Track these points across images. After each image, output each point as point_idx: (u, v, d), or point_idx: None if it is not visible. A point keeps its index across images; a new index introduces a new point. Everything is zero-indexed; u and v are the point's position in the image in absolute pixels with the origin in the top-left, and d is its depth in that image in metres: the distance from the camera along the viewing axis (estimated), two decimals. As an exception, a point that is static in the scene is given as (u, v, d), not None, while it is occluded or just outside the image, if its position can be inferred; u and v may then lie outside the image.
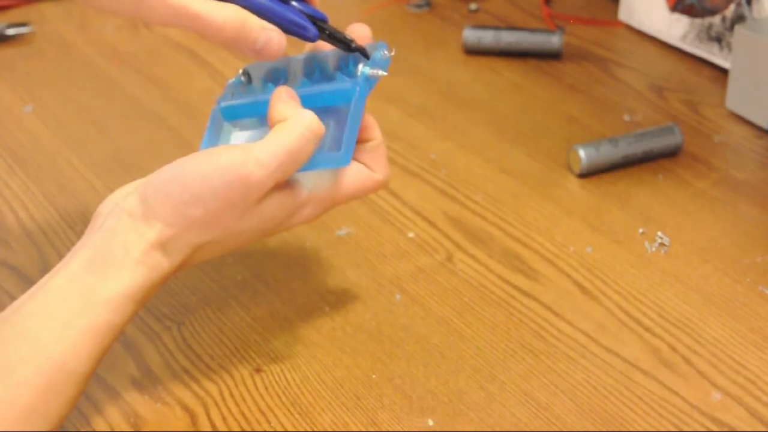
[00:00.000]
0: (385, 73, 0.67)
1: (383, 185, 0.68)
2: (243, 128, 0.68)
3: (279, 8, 0.66)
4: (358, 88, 0.65)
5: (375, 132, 0.68)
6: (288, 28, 0.66)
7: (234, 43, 0.65)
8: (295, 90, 0.65)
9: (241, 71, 0.70)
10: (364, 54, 0.68)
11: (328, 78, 0.68)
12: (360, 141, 0.67)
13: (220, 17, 0.63)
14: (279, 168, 0.61)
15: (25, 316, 0.60)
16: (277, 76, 0.69)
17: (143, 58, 1.10)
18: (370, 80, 0.67)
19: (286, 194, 0.64)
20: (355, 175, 0.67)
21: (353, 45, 0.67)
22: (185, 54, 1.09)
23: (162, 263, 0.62)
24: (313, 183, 0.65)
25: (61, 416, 0.60)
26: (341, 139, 0.64)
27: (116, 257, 0.61)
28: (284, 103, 0.63)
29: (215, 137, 0.68)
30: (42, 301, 0.60)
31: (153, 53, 1.10)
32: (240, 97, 0.69)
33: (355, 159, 0.67)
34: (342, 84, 0.66)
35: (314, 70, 0.68)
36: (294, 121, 0.62)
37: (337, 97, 0.66)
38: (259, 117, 0.68)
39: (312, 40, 0.67)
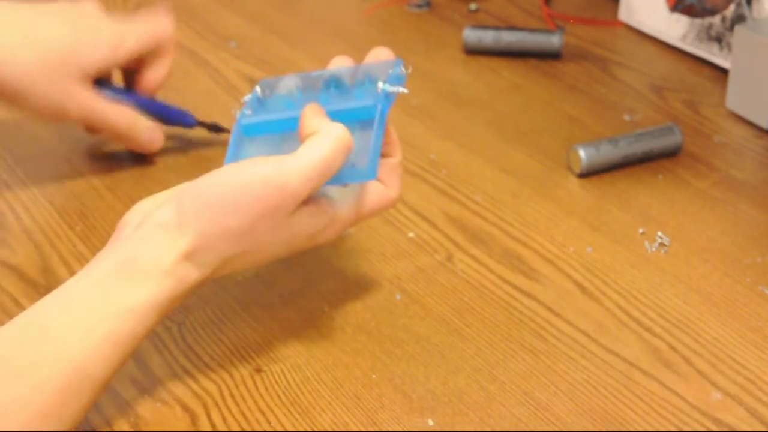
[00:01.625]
0: (404, 90, 0.69)
1: (395, 203, 0.71)
2: (262, 143, 0.70)
3: (164, 106, 0.90)
4: (380, 105, 0.67)
5: (396, 149, 0.71)
6: (172, 119, 0.90)
7: (126, 138, 0.87)
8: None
9: (257, 88, 0.72)
10: (217, 129, 0.90)
11: (345, 94, 0.69)
12: (382, 155, 0.69)
13: (116, 116, 0.85)
14: (314, 178, 0.62)
15: (50, 317, 0.60)
16: (292, 93, 0.71)
17: (143, 58, 1.09)
18: (390, 97, 0.69)
19: (316, 209, 0.65)
20: (373, 192, 0.69)
21: (219, 126, 0.90)
22: (185, 54, 1.09)
23: (191, 274, 0.62)
24: (338, 200, 0.67)
25: (75, 421, 0.60)
26: (365, 154, 0.66)
27: (145, 266, 0.61)
28: (315, 116, 0.65)
29: (237, 152, 0.69)
30: (68, 303, 0.60)
31: (153, 53, 1.10)
32: (259, 114, 0.70)
33: None
34: (365, 101, 0.68)
35: (330, 86, 0.70)
36: (326, 133, 0.64)
37: (360, 114, 0.68)
38: (278, 133, 0.69)
39: (192, 125, 0.91)
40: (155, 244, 0.61)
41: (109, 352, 0.60)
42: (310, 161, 0.62)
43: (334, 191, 0.67)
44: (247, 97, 0.72)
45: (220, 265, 0.63)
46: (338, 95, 0.70)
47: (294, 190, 0.62)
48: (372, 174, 0.66)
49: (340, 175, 0.65)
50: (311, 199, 0.65)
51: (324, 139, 0.63)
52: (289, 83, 0.72)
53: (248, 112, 0.71)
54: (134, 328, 0.60)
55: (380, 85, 0.69)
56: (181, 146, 0.93)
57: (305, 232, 0.65)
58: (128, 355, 0.61)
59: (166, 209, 0.62)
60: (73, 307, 0.60)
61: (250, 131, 0.70)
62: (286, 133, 0.68)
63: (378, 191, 0.69)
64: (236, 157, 0.69)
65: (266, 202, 0.62)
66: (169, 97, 0.93)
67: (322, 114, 0.66)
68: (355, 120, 0.67)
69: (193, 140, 0.93)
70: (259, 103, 0.72)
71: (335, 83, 0.70)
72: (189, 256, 0.62)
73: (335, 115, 0.66)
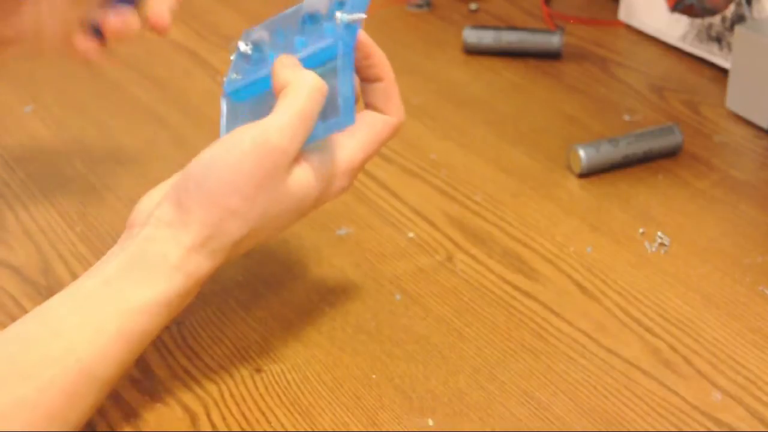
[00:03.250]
0: (363, 15, 0.64)
1: (399, 129, 0.67)
2: (255, 104, 0.67)
3: None
4: (340, 42, 0.63)
5: (385, 70, 0.67)
6: None
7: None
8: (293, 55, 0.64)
9: (240, 43, 0.68)
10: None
11: (318, 30, 0.65)
12: (370, 80, 0.66)
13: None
14: (296, 131, 0.61)
15: (58, 316, 0.59)
16: (275, 41, 0.68)
17: (143, 58, 1.10)
18: (351, 27, 0.64)
19: (309, 165, 0.63)
20: (370, 126, 0.66)
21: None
22: (185, 54, 1.09)
23: (202, 266, 0.61)
24: (334, 151, 0.65)
25: (81, 422, 0.59)
26: (336, 99, 0.62)
27: (153, 264, 0.60)
28: (285, 68, 0.63)
29: (231, 122, 0.67)
30: (76, 303, 0.60)
31: (153, 53, 1.10)
32: (244, 76, 0.68)
33: (368, 104, 0.65)
34: (325, 41, 0.64)
35: (306, 22, 0.66)
36: (296, 84, 0.62)
37: (328, 54, 0.64)
38: (269, 89, 0.66)
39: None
40: (161, 242, 0.61)
41: (117, 352, 0.59)
42: (287, 116, 0.61)
43: (328, 144, 0.64)
44: (233, 57, 0.69)
45: (232, 248, 0.62)
46: (312, 32, 0.66)
47: (280, 148, 0.61)
48: (349, 118, 0.62)
49: (318, 127, 0.62)
50: (303, 157, 0.63)
51: (296, 91, 0.62)
52: (270, 28, 0.68)
53: (234, 75, 0.68)
54: (144, 327, 0.60)
55: (338, 15, 0.64)
56: (180, 147, 0.93)
57: (309, 192, 0.63)
58: (137, 354, 0.61)
59: (166, 207, 0.62)
60: (82, 306, 0.60)
61: (239, 96, 0.68)
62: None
63: (376, 123, 0.67)
64: (232, 126, 0.65)
65: (260, 170, 0.61)
66: (169, 97, 0.93)
67: (292, 64, 0.63)
68: (327, 60, 0.64)
69: (188, 139, 0.93)
70: (245, 61, 0.69)
71: (309, 18, 0.66)
72: (197, 249, 0.61)
73: (306, 62, 0.64)
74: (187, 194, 0.61)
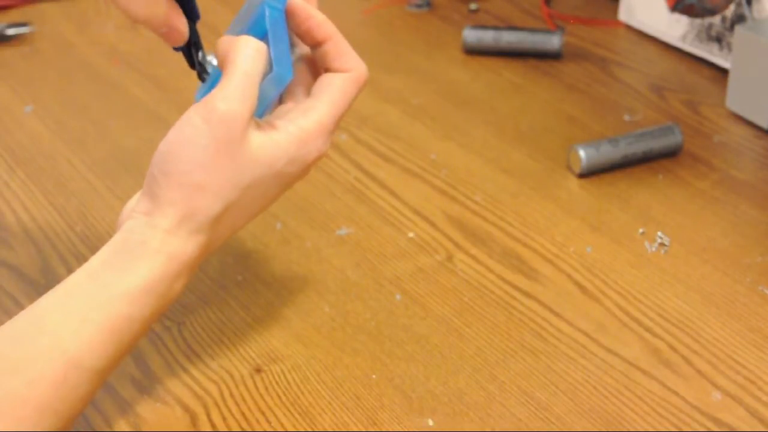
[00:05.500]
0: None
1: (365, 80, 0.67)
2: None
3: None
4: (265, 6, 0.64)
5: (328, 30, 0.66)
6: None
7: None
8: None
9: (210, 59, 0.70)
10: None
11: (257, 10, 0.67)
12: (317, 43, 0.66)
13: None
14: (242, 93, 0.61)
15: (44, 312, 0.60)
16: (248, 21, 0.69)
17: (143, 58, 1.10)
18: None
19: (273, 130, 0.63)
20: (330, 85, 0.66)
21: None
22: (185, 54, 1.09)
23: (185, 248, 0.61)
24: (299, 115, 0.64)
25: (73, 414, 0.59)
26: (276, 59, 0.63)
27: (133, 251, 0.60)
28: (222, 42, 0.64)
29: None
30: (61, 297, 0.60)
31: (153, 53, 1.10)
32: (210, 80, 0.70)
33: (325, 68, 0.66)
34: (256, 12, 0.65)
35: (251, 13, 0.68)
36: (233, 50, 0.62)
37: (262, 23, 0.65)
38: None
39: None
40: (140, 229, 0.61)
41: (105, 341, 0.59)
42: (229, 81, 0.61)
43: (289, 108, 0.65)
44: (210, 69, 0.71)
45: (213, 226, 0.62)
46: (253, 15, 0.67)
47: (230, 112, 0.61)
48: (286, 71, 0.63)
49: (264, 86, 0.63)
50: (266, 123, 0.63)
51: (233, 56, 0.62)
52: (234, 31, 0.69)
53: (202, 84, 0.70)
54: (130, 313, 0.60)
55: None
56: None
57: (278, 155, 0.63)
58: (128, 344, 0.61)
59: (141, 199, 0.62)
60: (67, 300, 0.60)
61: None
62: None
63: (336, 81, 0.66)
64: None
65: (214, 139, 0.60)
66: (169, 97, 0.93)
67: (231, 39, 0.64)
68: (265, 31, 0.65)
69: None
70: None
71: (254, 8, 0.67)
72: (174, 231, 0.61)
73: (250, 34, 0.65)
74: (155, 181, 0.61)
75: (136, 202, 0.63)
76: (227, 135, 0.61)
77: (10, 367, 0.58)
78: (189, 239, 0.61)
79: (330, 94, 0.66)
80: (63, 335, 0.59)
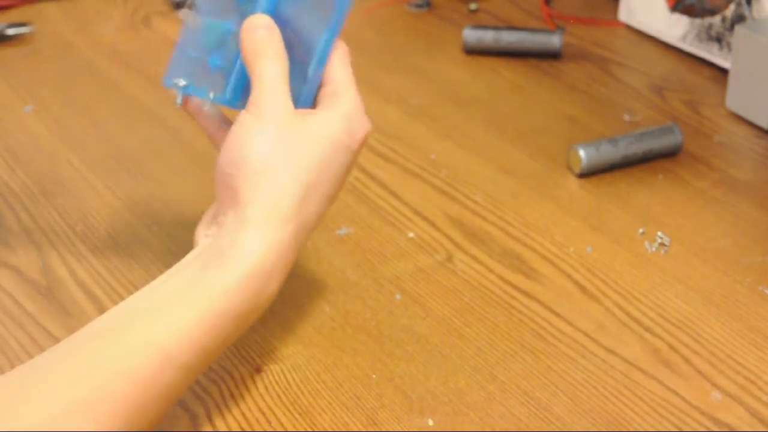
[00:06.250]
0: None
1: (347, 49, 0.68)
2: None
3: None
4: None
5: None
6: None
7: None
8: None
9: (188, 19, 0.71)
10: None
11: None
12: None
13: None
14: (281, 85, 0.63)
15: (136, 309, 0.60)
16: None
17: (143, 58, 1.10)
18: None
19: (322, 112, 0.65)
20: (334, 68, 0.67)
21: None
22: (185, 54, 1.09)
23: (278, 236, 0.61)
24: (329, 100, 0.66)
25: (161, 414, 0.59)
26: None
27: (225, 251, 0.61)
28: (250, 41, 0.65)
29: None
30: (152, 295, 0.60)
31: (153, 53, 1.10)
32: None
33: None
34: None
35: None
36: (261, 53, 0.65)
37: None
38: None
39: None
40: (227, 233, 0.61)
41: (198, 337, 0.59)
42: (258, 78, 0.64)
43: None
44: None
45: (298, 212, 0.62)
46: None
47: (276, 103, 0.63)
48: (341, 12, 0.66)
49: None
50: (308, 111, 0.65)
51: (261, 60, 0.64)
52: None
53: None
54: (226, 309, 0.59)
55: None
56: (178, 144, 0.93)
57: (337, 131, 0.64)
58: (220, 341, 0.60)
59: (217, 212, 0.63)
60: (159, 298, 0.60)
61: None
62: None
63: (331, 64, 0.68)
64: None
65: (274, 127, 0.62)
66: (169, 98, 0.93)
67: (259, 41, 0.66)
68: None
69: (188, 139, 0.93)
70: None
71: None
72: (263, 223, 0.61)
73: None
74: (228, 184, 0.62)
75: (210, 218, 0.64)
76: (281, 120, 0.62)
77: (106, 362, 0.57)
78: (279, 230, 0.61)
79: (340, 75, 0.67)
80: (158, 330, 0.58)
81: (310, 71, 0.65)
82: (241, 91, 0.69)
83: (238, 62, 0.67)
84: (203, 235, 0.64)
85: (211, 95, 0.69)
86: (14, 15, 1.19)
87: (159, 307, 0.59)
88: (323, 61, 0.66)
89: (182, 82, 0.71)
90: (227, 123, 0.70)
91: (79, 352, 0.58)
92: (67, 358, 0.58)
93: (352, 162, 0.66)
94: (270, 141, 0.62)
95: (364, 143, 0.66)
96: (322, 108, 0.65)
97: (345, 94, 0.66)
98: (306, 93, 0.66)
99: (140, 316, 0.59)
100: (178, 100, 0.72)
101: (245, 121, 0.63)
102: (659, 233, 0.81)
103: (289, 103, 0.63)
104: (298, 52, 0.66)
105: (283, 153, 0.62)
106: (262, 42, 0.65)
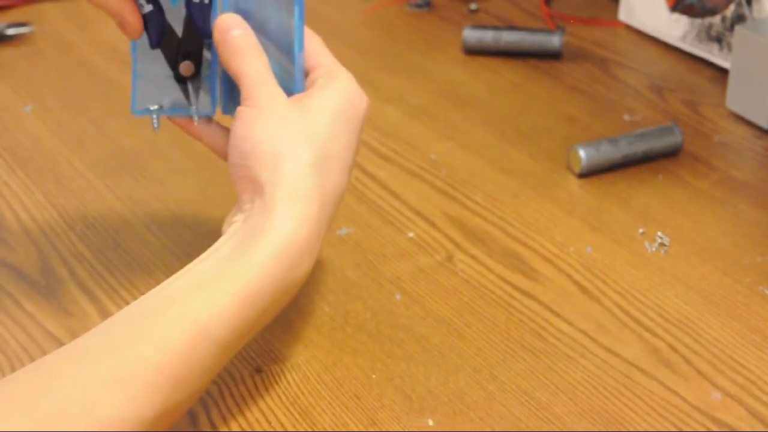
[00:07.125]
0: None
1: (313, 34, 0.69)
2: None
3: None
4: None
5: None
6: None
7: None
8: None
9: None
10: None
11: None
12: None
13: None
14: (268, 75, 0.65)
15: (172, 288, 0.60)
16: None
17: (143, 58, 1.10)
18: None
19: (322, 87, 0.65)
20: (315, 50, 0.68)
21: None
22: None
23: (306, 211, 0.62)
24: (324, 78, 0.67)
25: (198, 390, 0.59)
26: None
27: (254, 229, 0.61)
28: (226, 44, 0.67)
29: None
30: (188, 275, 0.61)
31: (153, 53, 1.10)
32: None
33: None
34: None
35: None
36: (241, 54, 0.66)
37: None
38: None
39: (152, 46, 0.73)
40: (256, 215, 0.62)
41: (234, 311, 0.59)
42: (244, 74, 0.65)
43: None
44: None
45: (320, 183, 0.62)
46: None
47: (271, 90, 0.64)
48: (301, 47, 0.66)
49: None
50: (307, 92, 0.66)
51: (242, 59, 0.65)
52: None
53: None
54: (260, 284, 0.60)
55: None
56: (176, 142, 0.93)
57: (340, 102, 0.65)
58: (254, 318, 0.60)
59: (239, 200, 0.64)
60: (195, 276, 0.60)
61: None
62: None
63: (314, 48, 0.69)
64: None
65: (276, 109, 0.63)
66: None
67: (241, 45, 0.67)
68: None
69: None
70: None
71: None
72: (287, 200, 0.61)
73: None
74: (243, 174, 0.63)
75: (234, 211, 0.64)
76: (279, 105, 0.63)
77: (142, 335, 0.57)
78: (306, 204, 0.62)
79: (324, 59, 0.68)
80: (193, 305, 0.58)
81: (296, 53, 0.65)
82: (225, 97, 0.70)
83: (213, 68, 0.67)
84: (229, 224, 0.64)
85: (194, 109, 0.69)
86: (14, 15, 1.19)
87: (194, 284, 0.60)
88: (302, 43, 0.66)
89: (154, 106, 0.71)
90: None
91: (114, 332, 0.58)
92: (103, 337, 0.58)
93: (360, 131, 0.67)
94: (274, 123, 0.63)
95: (366, 115, 0.67)
96: (317, 89, 0.66)
97: (337, 72, 0.67)
98: (298, 79, 0.66)
99: (175, 294, 0.59)
100: (155, 124, 0.72)
101: (244, 115, 0.64)
102: (659, 233, 0.81)
103: (281, 92, 0.64)
104: (269, 44, 0.66)
105: (291, 132, 0.63)
106: (239, 41, 0.66)
